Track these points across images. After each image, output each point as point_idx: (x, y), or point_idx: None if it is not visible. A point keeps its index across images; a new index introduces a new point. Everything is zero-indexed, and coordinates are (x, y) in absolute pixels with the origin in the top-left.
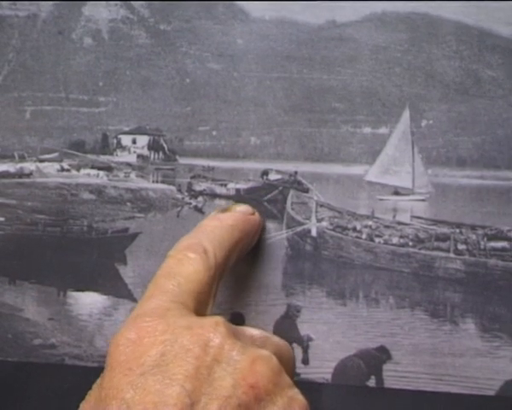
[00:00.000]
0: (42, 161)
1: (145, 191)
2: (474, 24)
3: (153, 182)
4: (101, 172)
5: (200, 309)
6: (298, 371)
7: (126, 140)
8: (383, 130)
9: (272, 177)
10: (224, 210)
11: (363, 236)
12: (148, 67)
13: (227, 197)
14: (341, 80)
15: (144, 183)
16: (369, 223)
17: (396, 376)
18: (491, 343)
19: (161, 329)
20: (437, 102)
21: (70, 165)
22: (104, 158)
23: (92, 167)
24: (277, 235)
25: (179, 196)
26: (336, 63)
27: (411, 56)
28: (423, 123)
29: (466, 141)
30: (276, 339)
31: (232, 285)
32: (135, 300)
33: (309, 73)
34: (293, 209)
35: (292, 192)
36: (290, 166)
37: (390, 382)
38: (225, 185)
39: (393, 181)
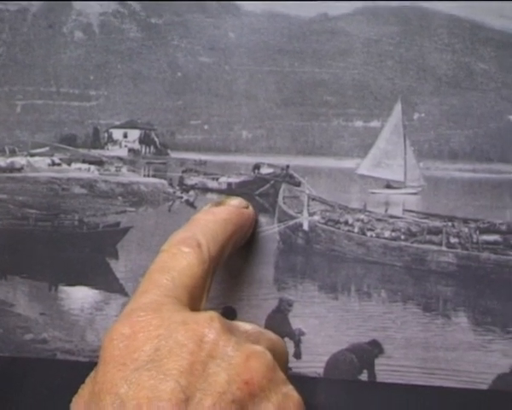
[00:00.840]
0: (33, 155)
1: (136, 185)
2: (466, 17)
3: (144, 176)
4: (93, 167)
5: (193, 303)
6: (290, 365)
7: (117, 134)
8: (375, 123)
9: (264, 171)
10: (218, 204)
11: (355, 229)
12: (139, 60)
13: (219, 191)
14: (333, 74)
15: (135, 177)
16: (361, 216)
17: (388, 370)
18: (483, 337)
19: (156, 324)
20: (429, 96)
21: (61, 159)
22: (95, 152)
23: (83, 162)
24: (269, 229)
25: (171, 190)
26: (328, 56)
27: (403, 49)
28: (415, 116)
29: (458, 134)
30: (270, 334)
31: (224, 280)
32: (126, 294)
33: (300, 67)
34: (284, 203)
35: (284, 186)
36: (282, 160)
37: (382, 376)
38: (217, 179)
39: (385, 174)
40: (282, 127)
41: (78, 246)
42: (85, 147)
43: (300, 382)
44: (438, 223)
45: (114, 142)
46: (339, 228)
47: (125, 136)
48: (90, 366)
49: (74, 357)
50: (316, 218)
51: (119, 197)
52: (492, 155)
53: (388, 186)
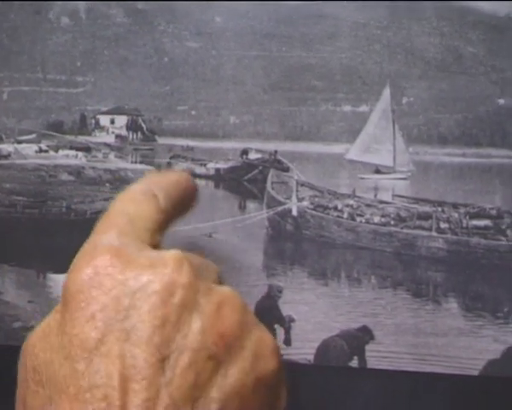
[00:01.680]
0: (20, 142)
1: (124, 172)
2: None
3: (132, 162)
4: (80, 153)
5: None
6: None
7: (105, 120)
8: (363, 108)
9: (252, 156)
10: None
11: (345, 215)
12: (125, 46)
13: (207, 177)
14: (321, 58)
15: (123, 163)
16: (351, 202)
17: (378, 356)
18: (473, 323)
19: (120, 266)
20: (417, 80)
21: (48, 146)
22: (82, 139)
23: (71, 148)
24: (258, 215)
25: None
26: (316, 41)
27: (391, 33)
28: (404, 100)
29: (447, 118)
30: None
31: None
32: None
33: (288, 51)
34: (273, 189)
35: (272, 172)
36: (270, 146)
37: (373, 362)
38: (205, 165)
39: (374, 159)
40: (269, 112)
41: (66, 233)
42: (72, 133)
43: (291, 368)
44: (427, 208)
45: (101, 128)
46: (328, 214)
47: (113, 122)
48: None
49: None
50: (305, 203)
51: (107, 184)
52: (482, 140)
53: (377, 171)
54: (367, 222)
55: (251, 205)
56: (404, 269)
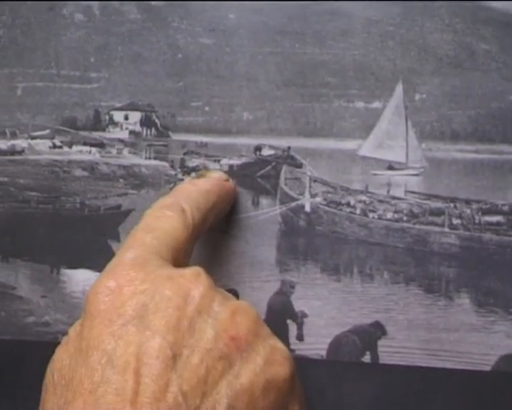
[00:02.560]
0: (34, 138)
1: (138, 168)
2: None
3: (145, 158)
4: (94, 149)
5: (176, 266)
6: (292, 347)
7: (118, 116)
8: (376, 104)
9: (265, 152)
10: (199, 176)
11: (357, 211)
12: (139, 42)
13: None
14: (334, 54)
15: (137, 159)
16: (363, 198)
17: (391, 352)
18: (486, 318)
19: (141, 278)
20: (430, 76)
21: (62, 142)
22: (96, 134)
23: (84, 144)
24: (271, 211)
25: (172, 172)
26: (329, 37)
27: (404, 30)
28: (417, 97)
29: (460, 115)
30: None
31: (226, 262)
32: None
33: (301, 48)
34: (286, 185)
35: (285, 168)
36: (283, 142)
37: (385, 358)
38: (218, 161)
39: (387, 156)
40: (283, 109)
41: (79, 228)
42: (86, 129)
43: (303, 364)
44: (440, 204)
45: (115, 124)
46: (341, 210)
47: (126, 118)
48: None
49: None
50: (317, 199)
51: (121, 180)
52: (494, 136)
53: (390, 167)
54: (379, 218)
55: (264, 201)
56: (416, 265)
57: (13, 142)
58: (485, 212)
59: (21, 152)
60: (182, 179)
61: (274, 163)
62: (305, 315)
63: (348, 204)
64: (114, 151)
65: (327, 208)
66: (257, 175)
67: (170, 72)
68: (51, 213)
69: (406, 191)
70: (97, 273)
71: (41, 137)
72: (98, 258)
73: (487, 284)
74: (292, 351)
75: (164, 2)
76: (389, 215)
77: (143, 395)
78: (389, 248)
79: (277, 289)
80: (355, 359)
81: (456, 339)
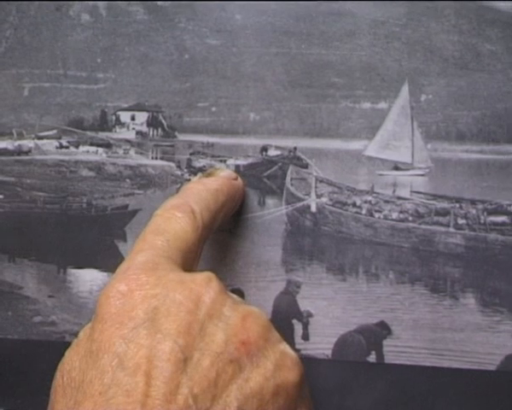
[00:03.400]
0: (40, 138)
1: (144, 168)
2: None
3: (152, 158)
4: (100, 149)
5: (186, 269)
6: (298, 346)
7: (125, 117)
8: (382, 105)
9: (272, 153)
10: (208, 175)
11: (363, 211)
12: (146, 43)
13: None
14: (340, 55)
15: (143, 159)
16: (369, 198)
17: (396, 351)
18: (491, 318)
19: (152, 282)
20: (436, 77)
21: (69, 142)
22: (103, 135)
23: (91, 144)
24: (277, 211)
25: (179, 172)
26: (335, 38)
27: (410, 31)
28: (422, 98)
29: (465, 115)
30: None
31: (232, 261)
32: None
33: (308, 48)
34: (292, 185)
35: (291, 168)
36: (289, 142)
37: (390, 357)
38: (225, 161)
39: (393, 156)
40: (289, 109)
41: (86, 228)
42: (93, 130)
43: (309, 363)
44: (445, 204)
45: (122, 124)
46: (346, 210)
47: (133, 118)
48: None
49: None
50: (323, 200)
51: (127, 180)
52: (499, 136)
53: (396, 168)
54: (385, 218)
55: (270, 201)
56: (421, 265)
57: (20, 142)
58: (491, 212)
59: (28, 152)
60: (188, 179)
61: (280, 163)
62: (310, 315)
63: (354, 204)
64: (121, 151)
65: (333, 209)
66: (263, 175)
67: (177, 72)
68: (58, 213)
69: (412, 191)
70: (104, 273)
71: (48, 138)
72: (105, 258)
73: (492, 283)
74: (297, 351)
75: (171, 3)
76: (395, 215)
77: (154, 396)
78: (395, 248)
79: (283, 289)
80: (360, 358)
81: (461, 339)
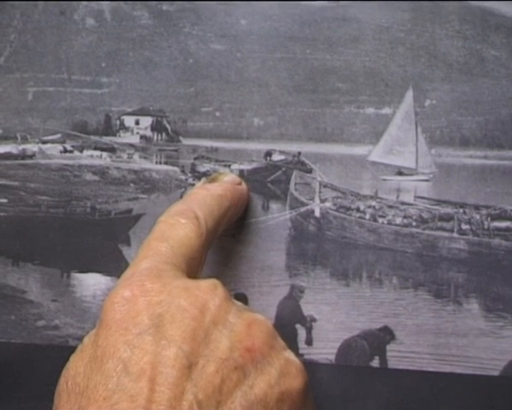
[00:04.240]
0: (44, 142)
1: (148, 172)
2: (477, 3)
3: (156, 163)
4: (105, 154)
5: (190, 274)
6: (301, 351)
7: (129, 121)
8: (386, 110)
9: (276, 158)
10: (212, 180)
11: (367, 216)
12: (150, 47)
13: None
14: (344, 60)
15: (147, 164)
16: (373, 203)
17: (399, 356)
18: (494, 323)
19: (157, 289)
20: (440, 82)
21: (73, 146)
22: (107, 139)
23: (95, 149)
24: (281, 216)
25: (183, 177)
26: (339, 43)
27: (414, 36)
28: (427, 103)
29: (469, 121)
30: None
31: (235, 266)
32: None
33: (312, 54)
34: (296, 190)
35: (295, 173)
36: (293, 147)
37: (394, 362)
38: (229, 166)
39: (397, 161)
40: (293, 114)
41: (90, 233)
42: (97, 134)
43: (312, 368)
44: (449, 209)
45: (126, 129)
46: (350, 215)
47: (137, 123)
48: None
49: None
50: (327, 204)
51: (131, 184)
52: (504, 142)
53: (400, 173)
54: (389, 223)
55: (274, 206)
56: (425, 270)
57: (24, 146)
58: (495, 217)
59: (32, 156)
60: (192, 184)
61: (284, 168)
62: (314, 320)
63: (358, 209)
64: (125, 156)
65: (336, 213)
66: (267, 180)
67: (181, 77)
68: (62, 218)
69: (416, 197)
70: (108, 278)
71: (52, 142)
72: (108, 262)
73: (496, 289)
74: (301, 355)
75: (175, 8)
76: (398, 220)
77: (158, 402)
78: (398, 254)
79: (287, 294)
80: (364, 363)
81: (464, 344)
